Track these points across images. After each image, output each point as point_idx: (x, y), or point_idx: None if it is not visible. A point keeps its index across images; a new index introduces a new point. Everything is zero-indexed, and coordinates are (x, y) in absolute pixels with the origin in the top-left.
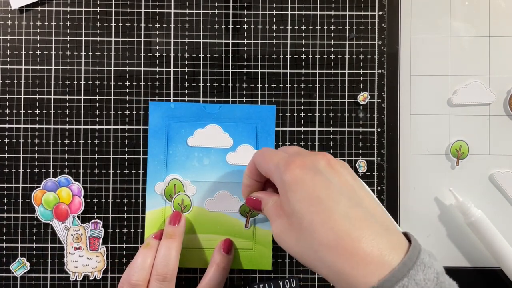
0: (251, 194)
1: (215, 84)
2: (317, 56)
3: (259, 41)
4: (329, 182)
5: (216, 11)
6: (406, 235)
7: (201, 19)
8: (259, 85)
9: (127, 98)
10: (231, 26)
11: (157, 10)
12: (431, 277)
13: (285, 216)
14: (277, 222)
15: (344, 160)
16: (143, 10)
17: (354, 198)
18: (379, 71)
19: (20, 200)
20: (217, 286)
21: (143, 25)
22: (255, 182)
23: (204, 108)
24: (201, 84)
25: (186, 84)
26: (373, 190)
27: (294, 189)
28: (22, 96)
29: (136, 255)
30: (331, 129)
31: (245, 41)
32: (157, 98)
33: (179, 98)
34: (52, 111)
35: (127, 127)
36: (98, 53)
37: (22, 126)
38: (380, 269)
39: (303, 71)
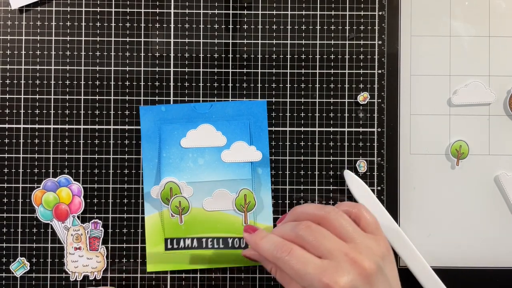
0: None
1: (215, 84)
2: (317, 56)
3: (259, 41)
4: None
5: (216, 11)
6: None
7: (201, 19)
8: (259, 85)
9: (127, 98)
10: (231, 26)
11: (157, 10)
12: None
13: None
14: None
15: (344, 160)
16: (143, 10)
17: None
18: (379, 71)
19: (20, 200)
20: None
21: (143, 25)
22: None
23: (195, 108)
24: (201, 84)
25: (186, 84)
26: (373, 190)
27: None
28: (22, 96)
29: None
30: (331, 129)
31: (245, 41)
32: (157, 98)
33: (179, 98)
34: (52, 111)
35: (127, 127)
36: (98, 53)
37: (22, 126)
38: None
39: (303, 71)
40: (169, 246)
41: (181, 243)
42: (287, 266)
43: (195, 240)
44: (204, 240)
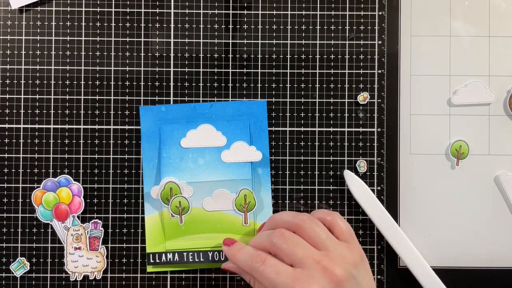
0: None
1: (215, 84)
2: (317, 56)
3: (259, 41)
4: None
5: (216, 11)
6: None
7: (201, 19)
8: (259, 85)
9: (127, 98)
10: (231, 26)
11: (157, 10)
12: None
13: None
14: None
15: (344, 160)
16: (143, 10)
17: None
18: (379, 71)
19: (20, 200)
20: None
21: (143, 25)
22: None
23: (195, 109)
24: (201, 84)
25: (186, 84)
26: (373, 190)
27: None
28: (22, 96)
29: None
30: (331, 129)
31: (245, 41)
32: (157, 98)
33: (179, 98)
34: (52, 111)
35: (127, 127)
36: (98, 53)
37: (22, 126)
38: None
39: (303, 71)
40: (152, 261)
41: (163, 258)
42: (262, 275)
43: (176, 255)
44: (185, 254)
